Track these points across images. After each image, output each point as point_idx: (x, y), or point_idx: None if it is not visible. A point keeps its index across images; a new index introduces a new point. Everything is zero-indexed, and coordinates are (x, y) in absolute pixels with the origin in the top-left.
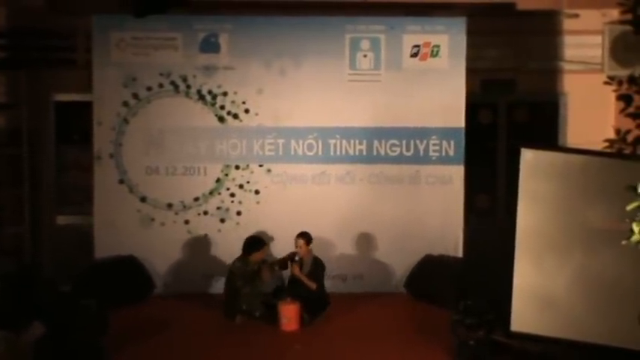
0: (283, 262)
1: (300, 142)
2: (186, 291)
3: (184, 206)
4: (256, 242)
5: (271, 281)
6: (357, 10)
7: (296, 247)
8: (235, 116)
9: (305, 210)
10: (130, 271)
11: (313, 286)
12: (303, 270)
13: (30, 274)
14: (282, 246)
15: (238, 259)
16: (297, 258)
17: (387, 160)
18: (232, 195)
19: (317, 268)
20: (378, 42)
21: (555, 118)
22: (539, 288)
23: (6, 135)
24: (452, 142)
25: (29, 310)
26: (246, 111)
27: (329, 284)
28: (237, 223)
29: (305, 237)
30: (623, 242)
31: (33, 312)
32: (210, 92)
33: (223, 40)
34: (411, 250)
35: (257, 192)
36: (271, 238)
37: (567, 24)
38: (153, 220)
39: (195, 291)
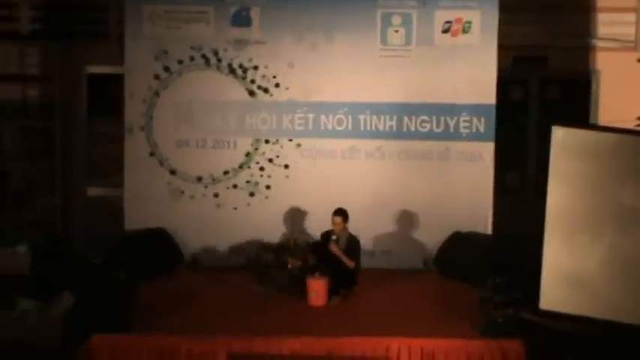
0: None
1: (330, 116)
2: (214, 264)
3: (214, 179)
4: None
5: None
6: None
7: (333, 224)
8: (266, 90)
9: (334, 185)
10: (159, 244)
11: (352, 263)
12: (339, 247)
13: (61, 245)
14: (311, 220)
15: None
16: (334, 237)
17: (416, 136)
18: (262, 169)
19: (353, 245)
20: (409, 17)
21: (587, 96)
22: (569, 266)
23: (39, 107)
24: (482, 119)
25: (60, 281)
26: (277, 85)
27: None
28: (267, 197)
29: (342, 214)
30: None
31: (63, 283)
32: (240, 66)
33: (255, 13)
34: (440, 227)
35: (286, 166)
36: (302, 213)
37: (601, 1)
38: (182, 192)
39: (223, 264)
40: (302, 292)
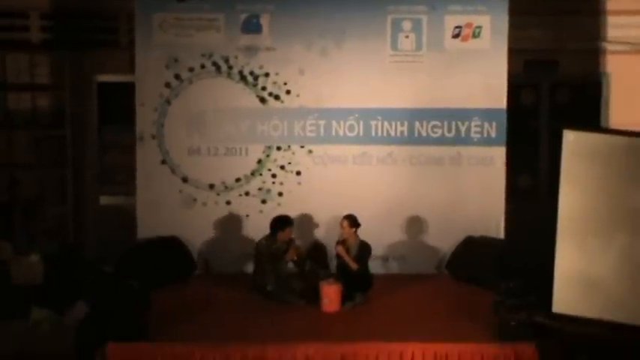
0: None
1: (342, 123)
2: (227, 271)
3: (226, 187)
4: (280, 221)
5: (297, 261)
6: None
7: (340, 226)
8: (277, 97)
9: (346, 191)
10: (172, 252)
11: (355, 266)
12: (350, 253)
13: (73, 254)
14: (323, 226)
15: (265, 237)
16: (340, 238)
17: (428, 141)
18: (274, 176)
19: (363, 250)
20: (419, 23)
21: (598, 99)
22: (581, 270)
23: (49, 116)
24: (493, 124)
25: (72, 290)
26: (288, 92)
27: (370, 265)
28: (279, 204)
29: (349, 219)
30: None
31: (76, 292)
32: (251, 73)
33: (265, 20)
34: (452, 232)
35: (298, 173)
36: (312, 219)
37: (611, 4)
38: (195, 200)
39: (236, 271)
40: (294, 295)
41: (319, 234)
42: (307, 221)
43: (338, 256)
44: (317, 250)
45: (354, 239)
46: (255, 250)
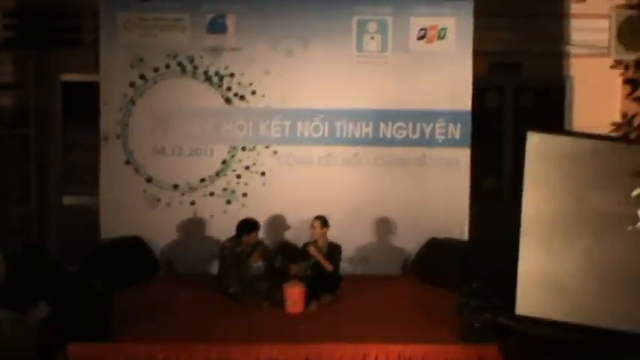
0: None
1: (307, 123)
2: (191, 271)
3: (190, 187)
4: (247, 225)
5: (261, 265)
6: None
7: (311, 227)
8: (242, 97)
9: (311, 192)
10: (135, 252)
11: (330, 267)
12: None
13: (36, 254)
14: (287, 227)
15: (229, 240)
16: (310, 239)
17: (393, 142)
18: (238, 176)
19: (334, 251)
20: (385, 24)
21: (562, 102)
22: (545, 272)
23: (13, 115)
24: (458, 125)
25: (35, 290)
26: (253, 92)
27: None
28: (243, 205)
29: (321, 219)
30: (629, 228)
31: (39, 292)
32: (217, 73)
33: (230, 21)
34: (417, 233)
35: (263, 173)
36: (277, 220)
37: (575, 8)
38: (159, 200)
39: (200, 271)
40: (258, 297)
41: (285, 235)
42: (273, 222)
43: (308, 256)
44: (287, 248)
45: (324, 240)
46: (219, 252)
